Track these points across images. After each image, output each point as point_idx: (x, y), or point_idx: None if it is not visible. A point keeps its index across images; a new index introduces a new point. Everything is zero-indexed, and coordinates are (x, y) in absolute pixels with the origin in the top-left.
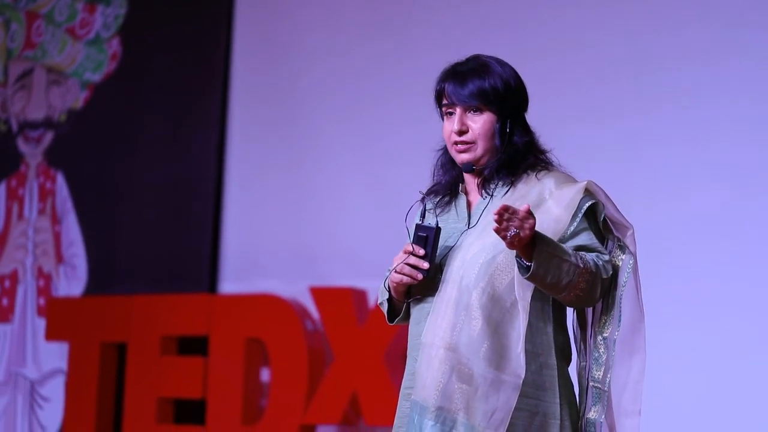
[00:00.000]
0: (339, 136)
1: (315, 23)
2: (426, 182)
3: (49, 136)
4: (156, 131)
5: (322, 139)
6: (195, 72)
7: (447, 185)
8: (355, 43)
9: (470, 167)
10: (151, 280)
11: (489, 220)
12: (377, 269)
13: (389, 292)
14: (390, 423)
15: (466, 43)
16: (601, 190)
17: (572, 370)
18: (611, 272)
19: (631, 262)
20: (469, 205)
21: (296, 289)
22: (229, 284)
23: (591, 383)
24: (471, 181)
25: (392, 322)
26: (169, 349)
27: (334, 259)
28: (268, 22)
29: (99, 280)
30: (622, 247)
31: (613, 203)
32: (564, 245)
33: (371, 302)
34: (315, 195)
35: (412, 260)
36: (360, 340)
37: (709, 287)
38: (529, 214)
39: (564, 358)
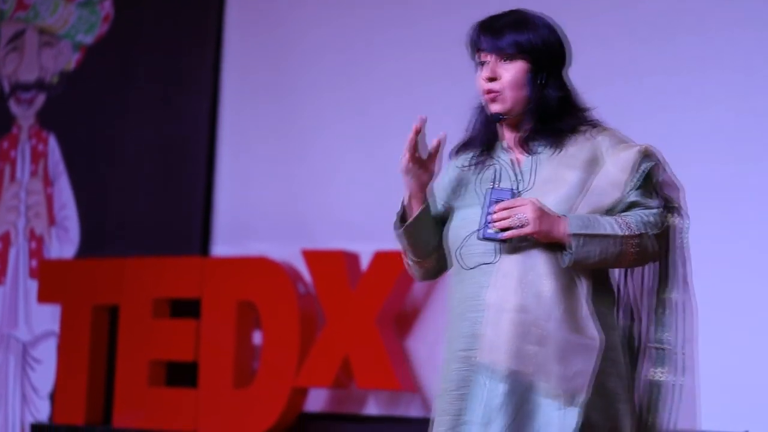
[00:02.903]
0: (332, 99)
1: None
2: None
3: (41, 98)
4: (148, 93)
5: (316, 101)
6: (187, 34)
7: (485, 141)
8: (351, 9)
9: (499, 117)
10: (143, 243)
11: (544, 180)
12: (369, 232)
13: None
14: (381, 386)
15: (467, 6)
16: (657, 151)
17: None
18: (662, 225)
19: (687, 223)
20: (515, 163)
21: (288, 252)
22: (222, 247)
23: (654, 345)
24: (510, 138)
25: (401, 227)
26: (161, 311)
27: (327, 223)
28: None
29: (91, 243)
30: (673, 209)
31: (667, 165)
32: (604, 214)
33: (363, 265)
34: (308, 157)
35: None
36: (352, 303)
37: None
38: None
39: (617, 317)
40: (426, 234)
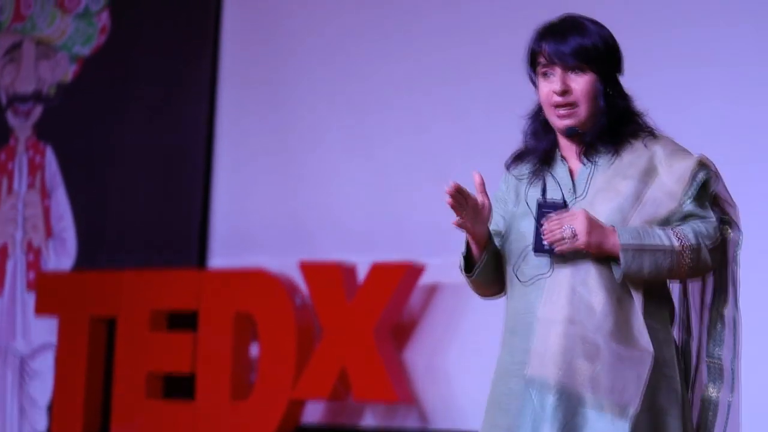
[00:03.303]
0: (330, 109)
1: None
2: (415, 156)
3: (38, 110)
4: (146, 105)
5: (314, 112)
6: (185, 46)
7: (541, 152)
8: (346, 18)
9: (574, 131)
10: (140, 255)
11: (598, 189)
12: (367, 244)
13: (467, 245)
14: (378, 397)
15: (463, 12)
16: (713, 163)
17: None
18: (718, 236)
19: (740, 239)
20: (571, 172)
21: (286, 264)
22: (219, 259)
23: (708, 360)
24: (569, 148)
25: (472, 273)
26: (158, 324)
27: (324, 234)
28: None
29: (88, 255)
30: (729, 222)
31: (722, 179)
32: (660, 224)
33: (360, 277)
34: (305, 169)
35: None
36: (349, 315)
37: None
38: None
39: (671, 330)
40: (492, 274)
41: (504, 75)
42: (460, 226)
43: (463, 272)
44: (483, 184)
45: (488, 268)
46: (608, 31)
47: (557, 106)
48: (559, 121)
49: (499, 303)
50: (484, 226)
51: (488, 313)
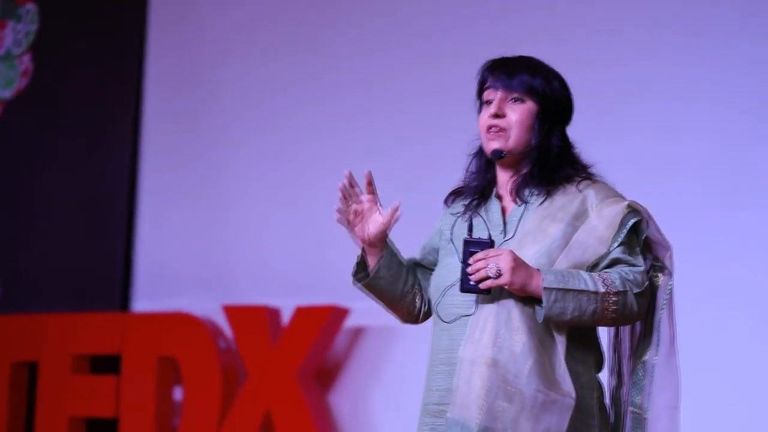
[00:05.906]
0: (254, 153)
1: (229, 41)
2: (337, 199)
3: None
4: (68, 148)
5: (237, 156)
6: (108, 89)
7: (478, 189)
8: (270, 61)
9: (499, 154)
10: (63, 299)
11: (527, 231)
12: (291, 287)
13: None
14: None
15: (386, 51)
16: (644, 208)
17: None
18: (646, 283)
19: (670, 283)
20: (503, 211)
21: (209, 308)
22: (142, 302)
23: (631, 408)
24: (504, 186)
25: (359, 280)
26: (80, 367)
27: (248, 277)
28: (182, 40)
29: (10, 299)
30: (660, 268)
31: (654, 222)
32: (587, 269)
33: (285, 320)
34: (229, 212)
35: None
36: (273, 358)
37: None
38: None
39: (598, 378)
40: (391, 284)
41: (424, 118)
42: (339, 220)
43: (354, 278)
44: (371, 184)
45: (383, 279)
46: (562, 78)
47: (489, 128)
48: (488, 144)
49: (423, 345)
50: (376, 236)
51: (413, 356)
